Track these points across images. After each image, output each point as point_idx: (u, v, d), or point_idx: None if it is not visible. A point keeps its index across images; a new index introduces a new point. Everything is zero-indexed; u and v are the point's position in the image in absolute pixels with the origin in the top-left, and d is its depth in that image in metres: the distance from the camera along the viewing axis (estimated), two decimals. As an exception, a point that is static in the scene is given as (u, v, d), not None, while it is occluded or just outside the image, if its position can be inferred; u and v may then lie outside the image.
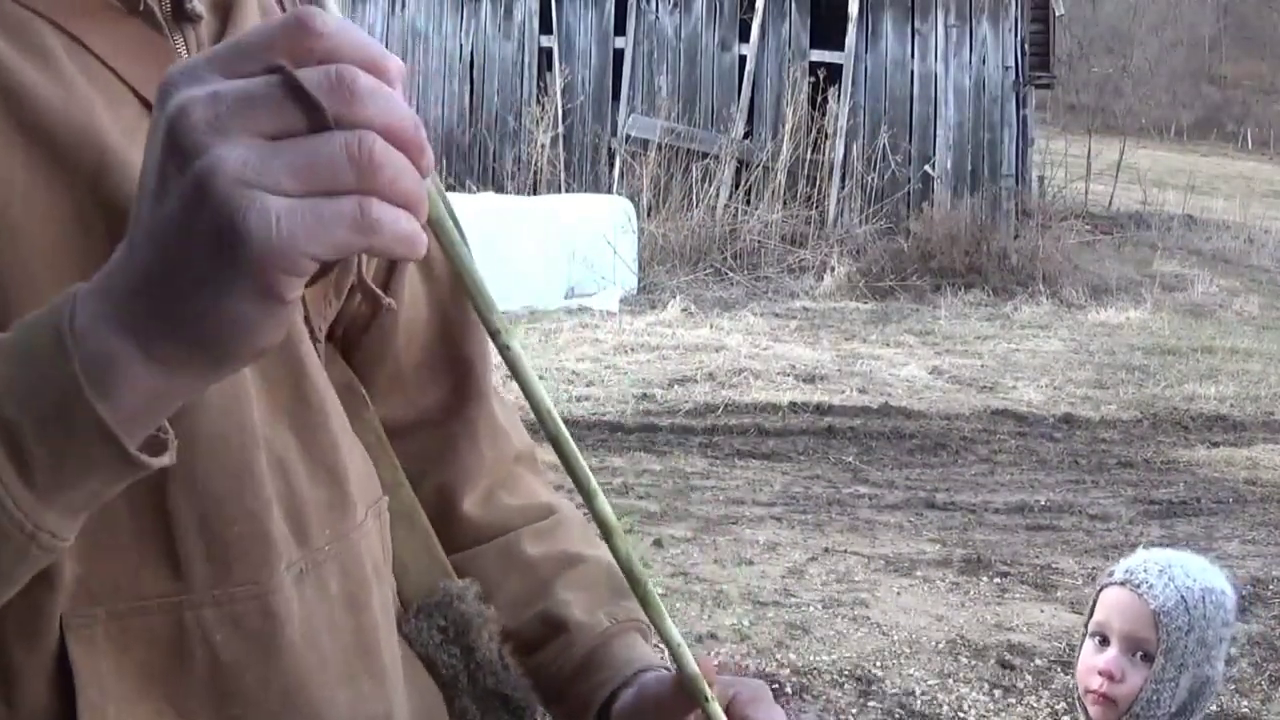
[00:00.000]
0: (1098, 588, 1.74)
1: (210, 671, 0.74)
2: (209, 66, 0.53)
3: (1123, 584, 1.67)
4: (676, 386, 8.20)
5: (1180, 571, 1.67)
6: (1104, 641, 1.67)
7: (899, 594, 4.51)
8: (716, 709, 0.82)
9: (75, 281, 0.57)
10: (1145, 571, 1.66)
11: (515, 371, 0.76)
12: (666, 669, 0.95)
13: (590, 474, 0.77)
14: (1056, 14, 17.40)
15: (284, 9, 0.85)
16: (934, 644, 4.04)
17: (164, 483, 0.71)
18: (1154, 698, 1.63)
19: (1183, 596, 1.64)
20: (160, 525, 0.72)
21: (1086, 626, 1.72)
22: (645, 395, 7.96)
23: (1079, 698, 1.71)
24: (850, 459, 6.74)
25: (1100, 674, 1.64)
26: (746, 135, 15.29)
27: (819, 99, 14.98)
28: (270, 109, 0.51)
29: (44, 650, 0.69)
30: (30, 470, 0.55)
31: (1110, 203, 21.16)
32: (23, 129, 0.68)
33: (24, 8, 0.70)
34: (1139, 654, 1.64)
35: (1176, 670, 1.62)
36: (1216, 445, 7.39)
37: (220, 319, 0.53)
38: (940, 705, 3.63)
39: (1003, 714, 3.63)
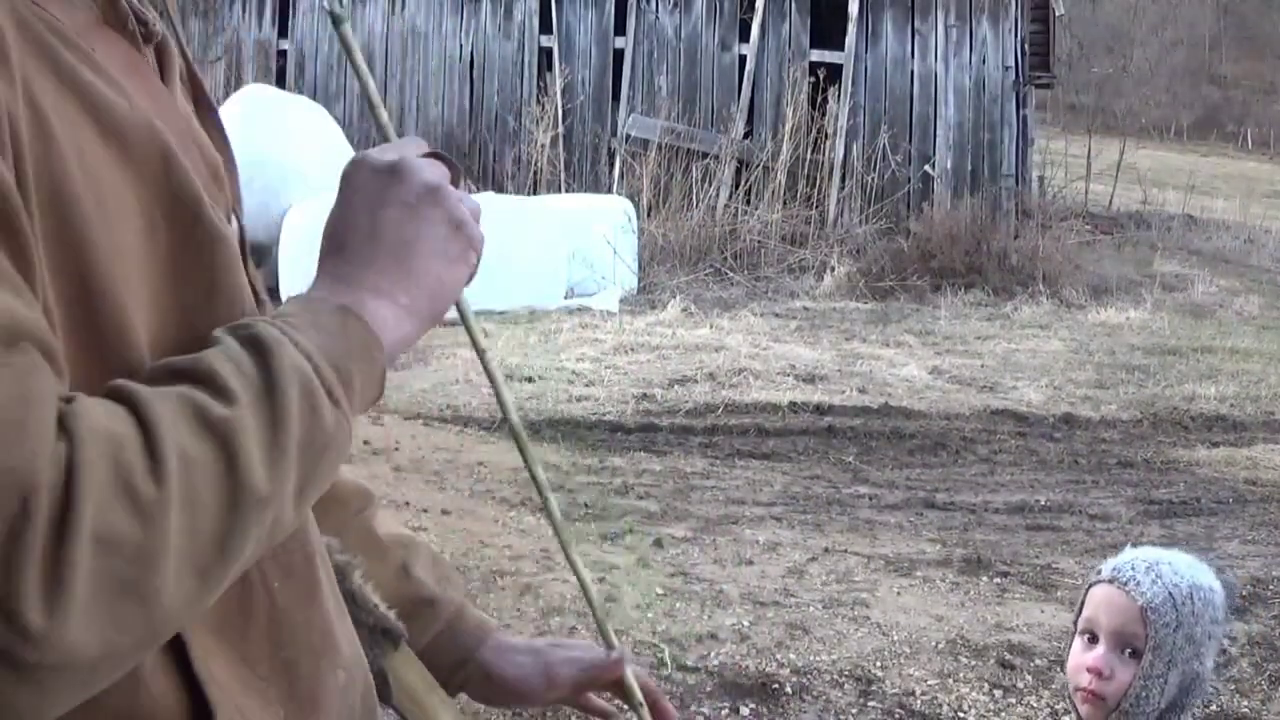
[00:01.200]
0: (1086, 586, 1.75)
1: (269, 617, 0.86)
2: (398, 146, 0.91)
3: (1110, 581, 1.68)
4: (676, 386, 8.20)
5: (1168, 569, 1.68)
6: (1093, 639, 1.69)
7: (899, 594, 4.51)
8: (633, 685, 1.01)
9: (146, 275, 0.77)
10: (1133, 569, 1.68)
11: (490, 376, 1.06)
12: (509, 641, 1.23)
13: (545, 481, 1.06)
14: (1056, 14, 17.40)
15: (187, 61, 0.97)
16: (934, 644, 4.04)
17: None
18: (1143, 694, 1.64)
19: (1170, 593, 1.65)
20: None
21: (1075, 625, 1.74)
22: (645, 395, 7.96)
23: (1069, 696, 1.73)
24: (850, 459, 6.74)
25: (1089, 671, 1.65)
26: (746, 135, 15.29)
27: (819, 99, 14.98)
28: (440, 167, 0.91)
29: None
30: (354, 394, 0.81)
31: (1110, 203, 21.16)
32: (101, 129, 0.77)
33: (50, 28, 0.78)
34: (1127, 651, 1.65)
35: (1165, 666, 1.63)
36: (1216, 445, 7.38)
37: (445, 279, 0.88)
38: (940, 705, 3.63)
39: (1003, 714, 3.64)
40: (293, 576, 0.88)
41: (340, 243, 0.86)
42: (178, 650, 0.78)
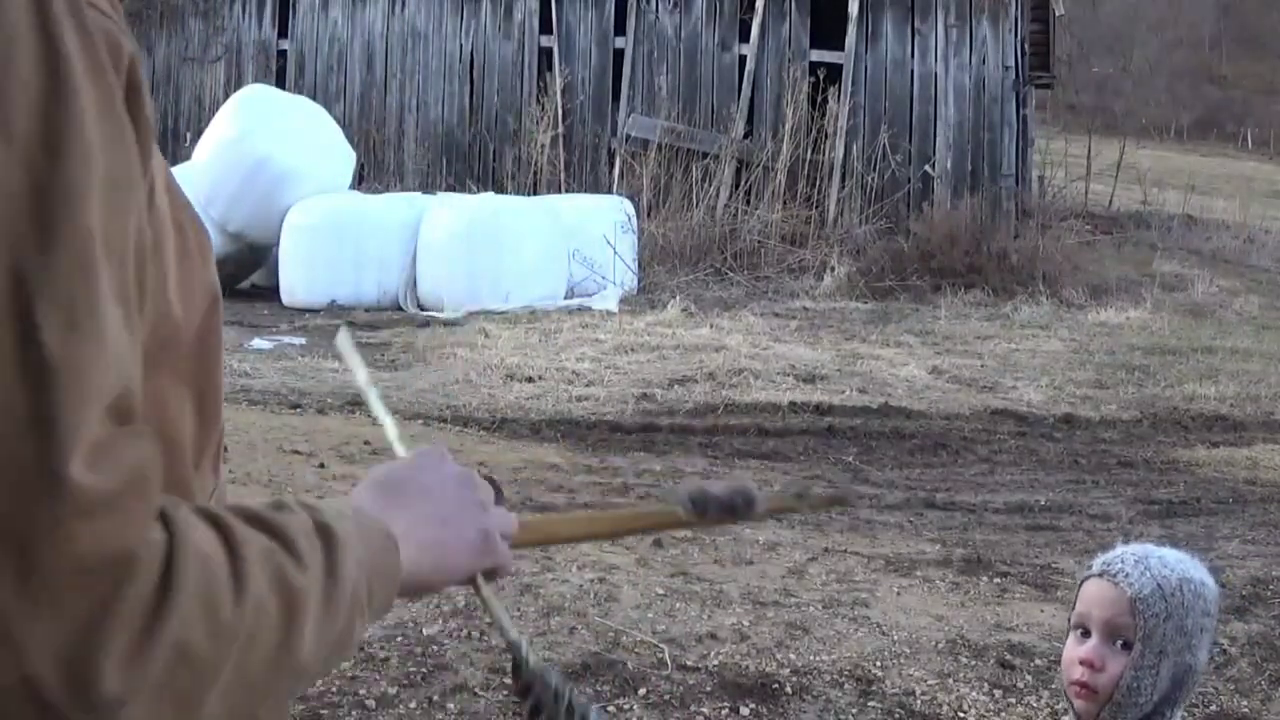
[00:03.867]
0: (1078, 581, 1.77)
1: None
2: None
3: (1100, 575, 1.70)
4: (676, 386, 8.20)
5: (1157, 561, 1.70)
6: (1085, 633, 1.70)
7: (899, 594, 4.51)
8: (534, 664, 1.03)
9: (170, 271, 0.80)
10: (1122, 562, 1.70)
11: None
12: None
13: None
14: (1056, 14, 17.39)
15: None
16: (934, 644, 4.04)
17: None
18: (1135, 685, 1.65)
19: (1159, 584, 1.66)
20: None
21: (1070, 621, 1.75)
22: (645, 395, 7.96)
23: (1064, 691, 1.74)
24: (850, 459, 6.74)
25: (1081, 663, 1.67)
26: (746, 135, 15.29)
27: (819, 99, 14.98)
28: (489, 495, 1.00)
29: None
30: (372, 612, 0.85)
31: (1110, 203, 21.15)
32: (172, 188, 0.85)
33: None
34: (1119, 642, 1.67)
35: (1156, 657, 1.64)
36: (1216, 445, 7.38)
37: (460, 565, 0.95)
38: (940, 705, 3.63)
39: (1003, 714, 3.64)
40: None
41: (400, 487, 0.94)
42: None
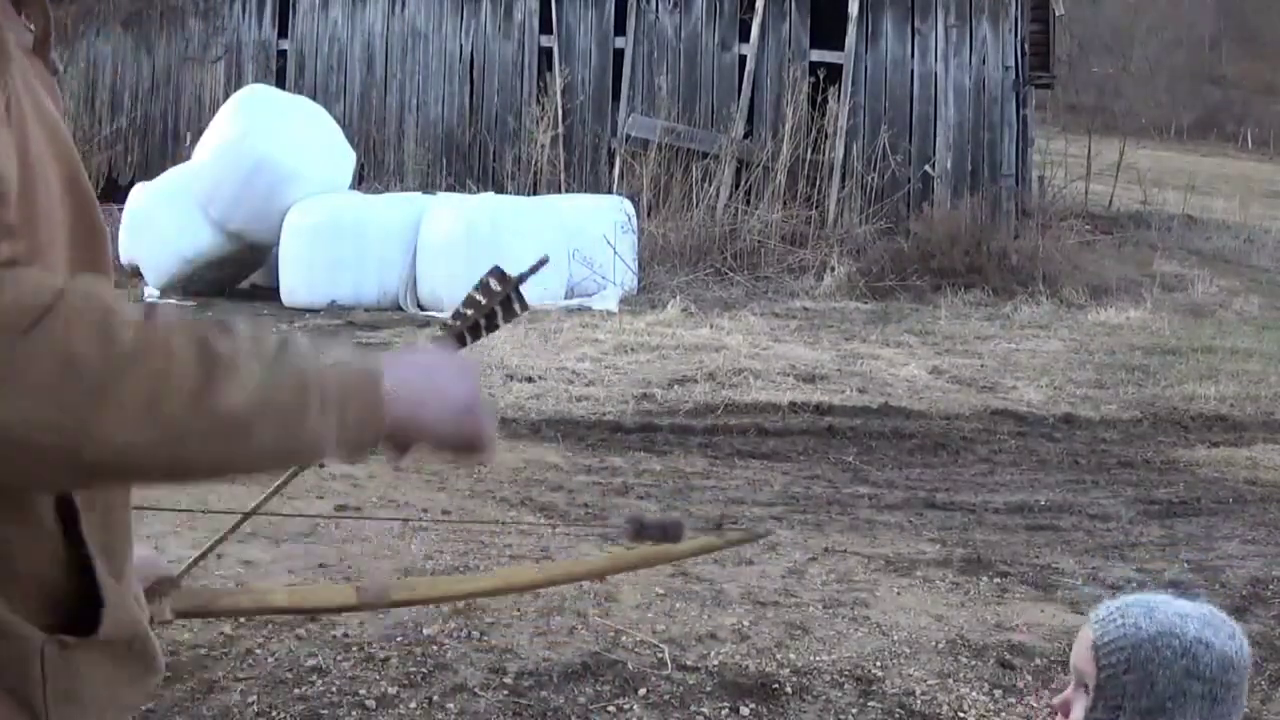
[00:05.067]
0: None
1: (103, 507, 1.10)
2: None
3: (1090, 619, 1.64)
4: (676, 386, 8.20)
5: (1141, 611, 1.58)
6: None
7: (899, 594, 4.51)
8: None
9: (63, 232, 1.03)
10: (1111, 608, 1.60)
11: None
12: None
13: None
14: (1056, 14, 17.39)
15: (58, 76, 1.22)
16: (934, 644, 4.04)
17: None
18: None
19: (1127, 633, 1.55)
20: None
21: None
22: (645, 395, 7.96)
23: None
24: (850, 459, 6.74)
25: (1049, 706, 1.63)
26: (746, 135, 15.28)
27: (819, 99, 14.97)
28: None
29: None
30: (347, 420, 0.99)
31: (1110, 203, 21.14)
32: (43, 122, 1.03)
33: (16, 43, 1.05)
34: (1084, 688, 1.59)
35: (1111, 711, 1.54)
36: (1216, 445, 7.38)
37: (438, 419, 1.07)
38: (940, 705, 3.63)
39: (1003, 714, 3.64)
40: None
41: (403, 352, 1.12)
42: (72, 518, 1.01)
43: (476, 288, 1.52)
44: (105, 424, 0.87)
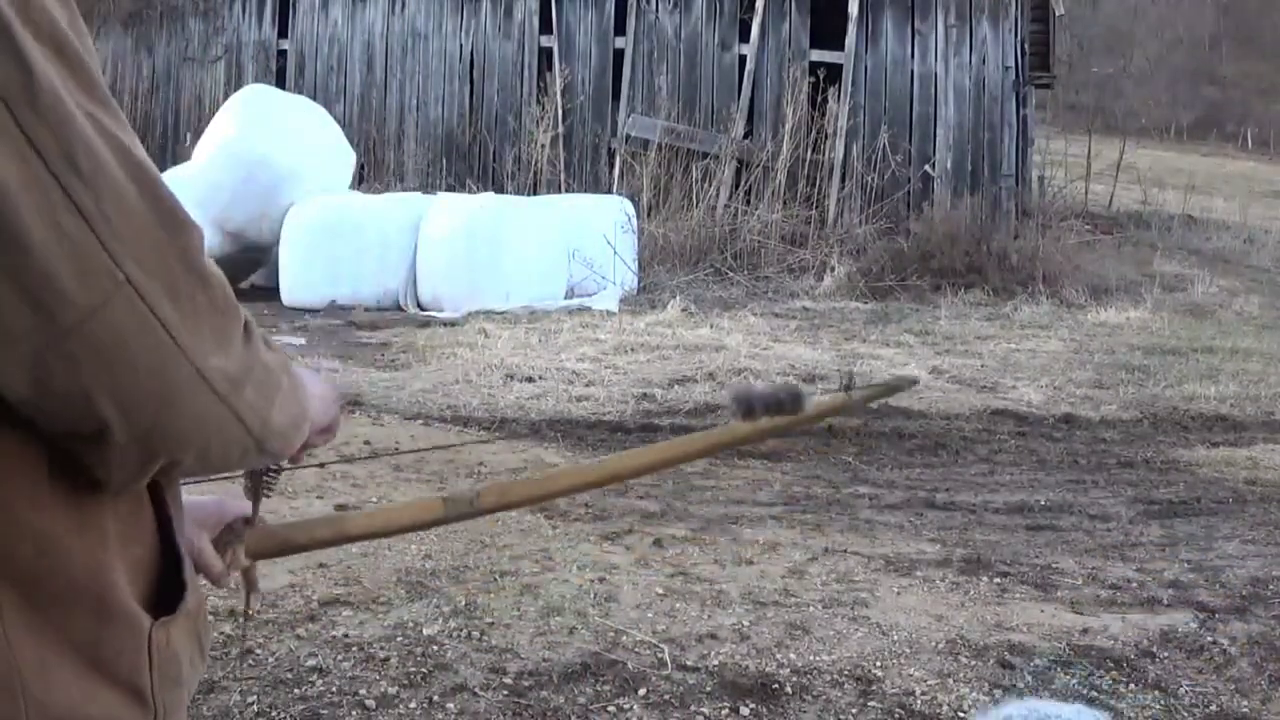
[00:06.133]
0: None
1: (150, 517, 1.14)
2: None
3: None
4: (676, 386, 8.20)
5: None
6: None
7: (899, 594, 4.51)
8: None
9: None
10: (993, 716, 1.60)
11: None
12: None
13: None
14: (1056, 14, 17.40)
15: None
16: (934, 644, 4.04)
17: None
18: None
19: None
20: None
21: None
22: (645, 395, 7.96)
23: None
24: (850, 459, 6.74)
25: None
26: (746, 135, 15.29)
27: (819, 99, 14.98)
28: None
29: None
30: (279, 400, 1.06)
31: (1110, 203, 21.15)
32: None
33: None
34: None
35: None
36: (1216, 445, 7.38)
37: (315, 410, 1.18)
38: (940, 705, 3.62)
39: (1003, 714, 3.63)
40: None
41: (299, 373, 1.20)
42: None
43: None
44: (273, 413, 1.01)
